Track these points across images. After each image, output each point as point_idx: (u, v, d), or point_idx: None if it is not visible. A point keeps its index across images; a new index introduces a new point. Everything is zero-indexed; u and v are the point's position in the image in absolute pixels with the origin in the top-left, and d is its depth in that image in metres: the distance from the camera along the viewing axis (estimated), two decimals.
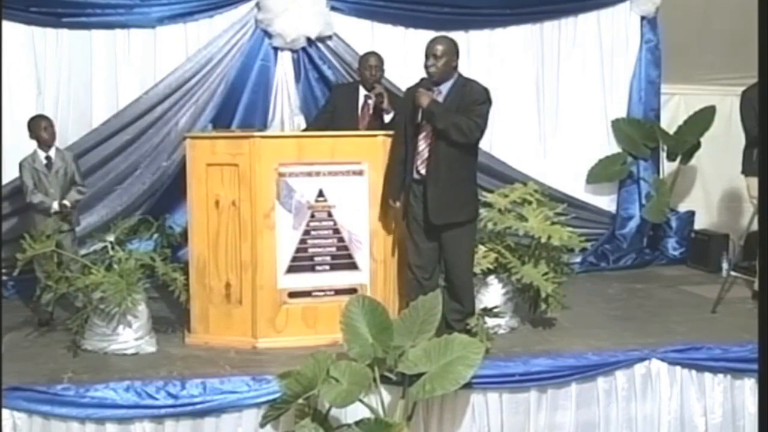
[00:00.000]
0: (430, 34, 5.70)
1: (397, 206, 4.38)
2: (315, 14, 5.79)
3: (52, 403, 3.70)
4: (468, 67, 5.63)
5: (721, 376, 4.34)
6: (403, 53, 5.98)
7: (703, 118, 6.65)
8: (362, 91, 5.14)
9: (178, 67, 5.76)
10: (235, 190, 4.40)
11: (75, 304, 4.58)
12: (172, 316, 4.91)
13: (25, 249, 4.36)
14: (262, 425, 3.76)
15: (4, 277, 5.36)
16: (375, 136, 4.57)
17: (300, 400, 3.62)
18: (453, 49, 4.16)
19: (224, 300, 4.48)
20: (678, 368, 4.30)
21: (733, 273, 5.65)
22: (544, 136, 6.55)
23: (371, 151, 4.50)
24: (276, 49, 5.89)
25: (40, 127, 4.85)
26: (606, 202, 6.78)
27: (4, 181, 5.37)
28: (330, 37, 5.91)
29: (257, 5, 5.81)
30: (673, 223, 6.77)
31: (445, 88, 4.18)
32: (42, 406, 3.70)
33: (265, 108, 5.94)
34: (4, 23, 5.40)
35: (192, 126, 5.77)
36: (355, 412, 3.75)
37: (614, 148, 6.67)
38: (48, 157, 4.86)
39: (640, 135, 6.64)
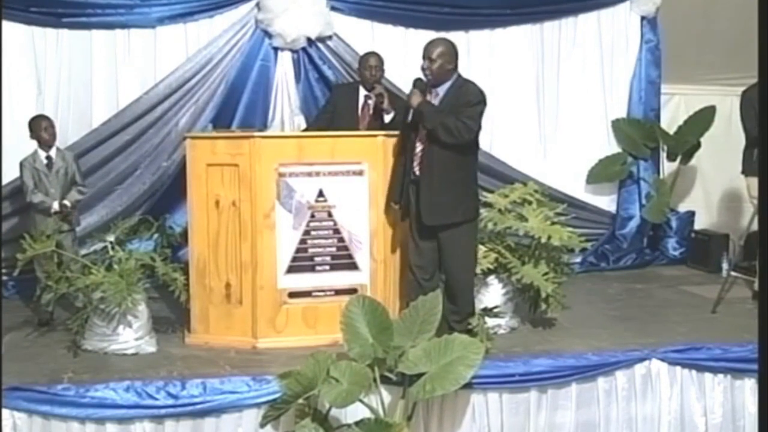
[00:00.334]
0: (430, 34, 5.74)
1: (397, 208, 4.38)
2: (315, 14, 5.79)
3: (52, 403, 3.70)
4: (468, 67, 5.63)
5: (721, 376, 4.34)
6: (403, 53, 5.98)
7: (703, 118, 6.65)
8: (362, 92, 5.14)
9: (178, 67, 5.76)
10: (236, 190, 4.40)
11: (75, 304, 4.58)
12: (172, 316, 4.91)
13: (26, 249, 4.36)
14: (262, 425, 3.76)
15: (4, 277, 5.37)
16: (375, 136, 4.57)
17: (300, 400, 3.62)
18: (449, 52, 4.14)
19: (224, 300, 4.48)
20: (678, 368, 4.30)
21: (733, 273, 5.65)
22: (544, 136, 6.55)
23: (371, 151, 4.50)
24: (276, 49, 5.89)
25: (40, 127, 4.85)
26: (606, 202, 6.78)
27: (5, 181, 5.37)
28: (330, 37, 5.91)
29: (257, 5, 5.81)
30: (674, 223, 6.77)
31: (442, 90, 4.18)
32: (42, 406, 3.70)
33: (265, 108, 5.94)
34: (4, 23, 5.40)
35: (192, 126, 5.78)
36: (355, 412, 3.75)
37: (614, 148, 6.68)
38: (49, 157, 4.86)
39: (640, 135, 6.64)
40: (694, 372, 4.32)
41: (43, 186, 4.83)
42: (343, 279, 4.50)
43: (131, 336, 4.31)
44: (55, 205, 4.79)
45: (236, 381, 3.85)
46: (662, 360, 4.28)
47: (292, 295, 4.46)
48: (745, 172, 5.51)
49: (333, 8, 5.91)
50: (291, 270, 4.45)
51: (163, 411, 3.76)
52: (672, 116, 6.95)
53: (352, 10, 6.00)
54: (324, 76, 5.97)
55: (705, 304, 5.32)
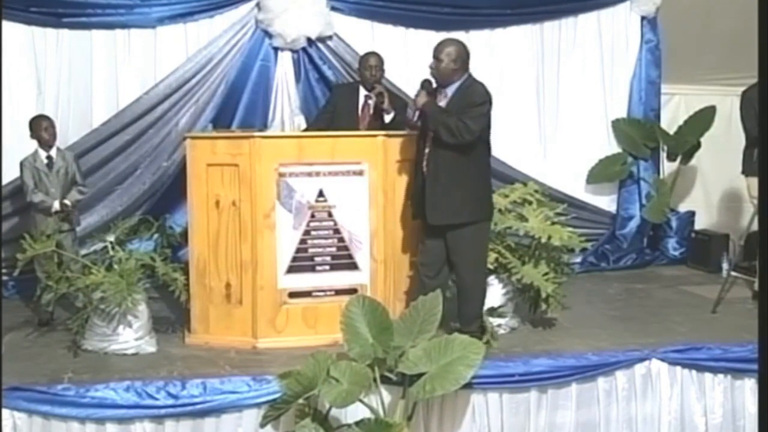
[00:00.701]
0: (430, 34, 5.75)
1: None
2: (315, 14, 5.79)
3: (52, 403, 3.70)
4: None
5: (721, 376, 4.34)
6: (403, 53, 5.99)
7: (704, 118, 6.65)
8: (362, 92, 5.14)
9: (178, 68, 5.76)
10: (236, 190, 4.40)
11: (75, 304, 4.59)
12: (172, 316, 4.91)
13: (26, 249, 4.36)
14: (263, 425, 3.76)
15: (5, 277, 5.37)
16: (375, 136, 4.57)
17: (300, 400, 3.62)
18: (457, 53, 4.14)
19: (224, 300, 4.48)
20: (678, 368, 4.30)
21: (733, 273, 5.64)
22: (544, 136, 6.55)
23: (371, 151, 4.50)
24: (276, 49, 5.88)
25: (41, 127, 4.85)
26: (606, 202, 6.78)
27: (5, 181, 5.37)
28: (330, 38, 5.91)
29: (257, 5, 5.81)
30: (674, 223, 6.77)
31: (450, 90, 4.18)
32: (42, 406, 3.69)
33: (266, 108, 5.93)
34: (4, 23, 5.40)
35: (192, 126, 5.77)
36: (356, 412, 3.75)
37: (614, 148, 6.68)
38: (49, 157, 4.87)
39: (641, 135, 6.64)
40: (694, 372, 4.32)
41: (44, 186, 4.83)
42: (343, 279, 4.50)
43: (131, 336, 4.31)
44: (56, 205, 4.80)
45: (236, 381, 3.85)
46: (662, 360, 4.28)
47: (292, 295, 4.46)
48: (745, 172, 5.51)
49: (333, 8, 5.90)
50: (291, 270, 4.45)
51: (163, 411, 3.76)
52: (672, 116, 6.95)
53: (352, 10, 6.00)
54: (324, 76, 5.97)
55: (705, 304, 5.32)
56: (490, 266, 4.64)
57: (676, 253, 6.75)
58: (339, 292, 4.47)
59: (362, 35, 6.02)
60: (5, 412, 3.67)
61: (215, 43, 5.81)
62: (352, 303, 3.91)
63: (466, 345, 3.73)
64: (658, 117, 6.76)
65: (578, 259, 6.28)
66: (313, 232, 4.46)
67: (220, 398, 3.79)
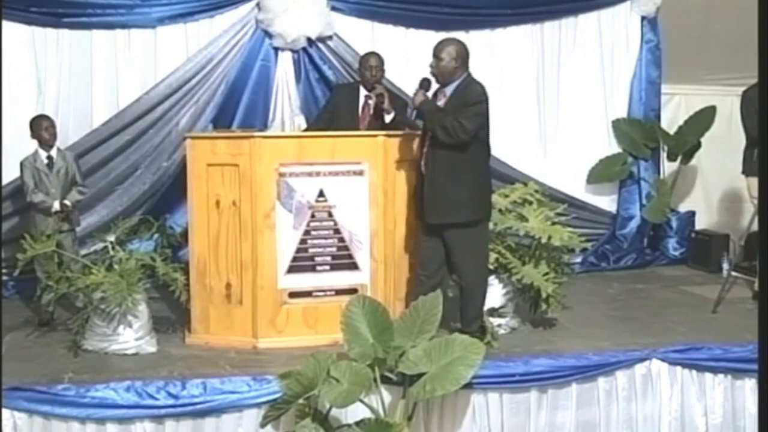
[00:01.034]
0: (430, 34, 5.75)
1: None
2: (315, 14, 5.79)
3: (52, 403, 3.70)
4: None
5: (721, 376, 4.34)
6: (403, 53, 5.99)
7: (704, 118, 6.65)
8: (363, 92, 5.14)
9: (178, 67, 5.76)
10: (236, 190, 4.40)
11: (75, 304, 4.59)
12: (172, 316, 4.91)
13: (26, 249, 4.36)
14: (263, 425, 3.76)
15: (5, 277, 5.36)
16: (375, 136, 4.57)
17: (300, 400, 3.62)
18: (457, 53, 4.14)
19: (225, 300, 4.48)
20: (678, 368, 4.30)
21: (733, 273, 5.64)
22: (544, 136, 6.55)
23: (371, 151, 4.50)
24: (276, 49, 5.89)
25: (41, 127, 4.85)
26: (606, 202, 6.78)
27: (5, 181, 5.37)
28: (330, 38, 5.91)
29: (258, 5, 5.81)
30: (674, 224, 6.77)
31: (449, 89, 4.18)
32: (42, 406, 3.70)
33: (266, 108, 5.94)
34: (4, 23, 5.40)
35: (192, 126, 5.78)
36: (356, 412, 3.75)
37: (615, 148, 6.68)
38: (49, 157, 4.87)
39: (641, 135, 6.64)
40: (694, 372, 4.32)
41: (44, 186, 4.83)
42: (343, 279, 4.50)
43: (131, 336, 4.32)
44: (56, 205, 4.80)
45: (236, 381, 3.85)
46: (663, 360, 4.28)
47: (293, 295, 4.46)
48: (746, 172, 5.50)
49: (333, 8, 5.90)
50: (291, 270, 4.45)
51: (163, 411, 3.76)
52: (672, 116, 6.96)
53: (352, 10, 6.00)
54: (324, 76, 5.97)
55: (705, 304, 5.32)
56: (491, 266, 4.64)
57: (677, 253, 6.75)
58: (339, 292, 4.47)
59: (362, 35, 6.02)
60: (5, 412, 3.67)
61: (215, 43, 5.81)
62: (352, 303, 3.91)
63: (467, 345, 3.73)
64: (658, 117, 6.76)
65: (578, 259, 6.27)
66: (313, 232, 4.46)
67: (220, 398, 3.79)
